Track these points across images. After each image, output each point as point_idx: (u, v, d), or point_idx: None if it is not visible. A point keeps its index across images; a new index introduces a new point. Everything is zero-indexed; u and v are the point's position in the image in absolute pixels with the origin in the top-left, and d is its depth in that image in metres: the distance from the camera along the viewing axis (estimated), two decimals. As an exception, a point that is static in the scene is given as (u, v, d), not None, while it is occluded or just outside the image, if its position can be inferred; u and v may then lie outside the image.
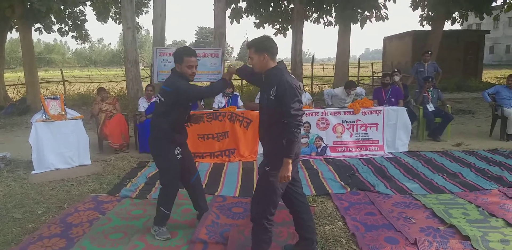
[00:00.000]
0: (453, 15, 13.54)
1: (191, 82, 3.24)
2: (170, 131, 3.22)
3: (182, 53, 3.13)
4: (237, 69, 3.21)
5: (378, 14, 11.27)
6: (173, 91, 3.12)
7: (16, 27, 12.84)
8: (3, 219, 3.83)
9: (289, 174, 2.63)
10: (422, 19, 14.14)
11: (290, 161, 2.62)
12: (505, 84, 7.32)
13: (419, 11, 13.76)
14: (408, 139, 6.39)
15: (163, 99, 3.19)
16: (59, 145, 5.51)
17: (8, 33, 13.14)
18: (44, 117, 5.54)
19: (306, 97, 6.98)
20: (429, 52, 8.26)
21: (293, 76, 2.75)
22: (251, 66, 2.89)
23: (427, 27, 14.29)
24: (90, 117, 7.11)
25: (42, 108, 5.59)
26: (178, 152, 3.26)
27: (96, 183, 4.94)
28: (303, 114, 2.64)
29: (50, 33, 13.78)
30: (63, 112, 5.70)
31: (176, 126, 3.27)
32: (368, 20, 11.25)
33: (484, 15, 12.15)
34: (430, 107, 7.03)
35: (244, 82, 16.13)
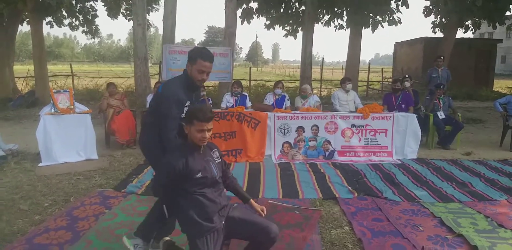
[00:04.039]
0: (466, 23, 13.48)
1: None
2: None
3: (197, 54, 2.77)
4: None
5: (391, 18, 11.22)
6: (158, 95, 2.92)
7: (27, 20, 12.92)
8: (10, 210, 3.84)
9: None
10: (435, 26, 14.07)
11: None
12: (517, 95, 7.25)
13: (431, 18, 13.73)
14: (418, 146, 6.33)
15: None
16: (67, 138, 5.53)
17: (19, 25, 13.23)
18: (53, 110, 5.57)
19: (314, 99, 6.98)
20: (442, 57, 8.33)
21: None
22: None
23: (439, 34, 14.23)
24: (98, 112, 7.13)
25: (51, 101, 5.61)
26: None
27: (103, 177, 4.94)
28: None
29: (61, 27, 13.86)
30: (72, 106, 5.72)
31: None
32: (379, 25, 11.20)
33: (497, 24, 12.08)
34: (441, 115, 6.97)
35: (253, 83, 16.13)
